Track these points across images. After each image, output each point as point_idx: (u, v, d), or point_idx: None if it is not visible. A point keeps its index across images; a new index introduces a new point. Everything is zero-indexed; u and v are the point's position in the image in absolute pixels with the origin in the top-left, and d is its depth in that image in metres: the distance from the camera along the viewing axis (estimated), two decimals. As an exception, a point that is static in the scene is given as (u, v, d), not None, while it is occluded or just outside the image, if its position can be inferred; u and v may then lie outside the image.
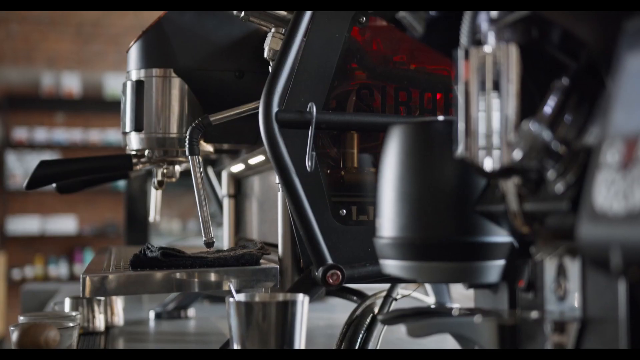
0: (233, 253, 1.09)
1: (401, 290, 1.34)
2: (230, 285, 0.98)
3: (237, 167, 1.63)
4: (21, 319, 1.24)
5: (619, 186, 0.52)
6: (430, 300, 1.69)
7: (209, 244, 1.13)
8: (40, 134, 6.71)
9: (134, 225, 2.68)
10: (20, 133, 6.70)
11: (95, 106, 6.74)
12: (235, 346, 0.91)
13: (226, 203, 1.77)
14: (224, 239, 1.79)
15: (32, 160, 6.64)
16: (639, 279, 0.52)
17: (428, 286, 1.60)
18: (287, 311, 0.91)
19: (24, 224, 6.77)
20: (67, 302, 1.49)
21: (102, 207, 6.94)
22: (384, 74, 1.16)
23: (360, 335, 1.24)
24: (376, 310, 1.28)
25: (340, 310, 1.96)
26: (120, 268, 1.10)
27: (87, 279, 1.00)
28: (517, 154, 0.65)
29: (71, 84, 6.81)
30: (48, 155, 6.66)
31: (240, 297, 0.94)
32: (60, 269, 6.78)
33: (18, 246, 6.82)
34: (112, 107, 6.69)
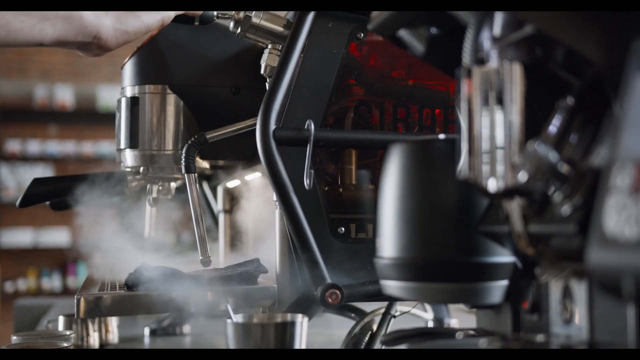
0: (230, 272, 1.07)
1: (399, 307, 1.32)
2: (228, 306, 0.96)
3: (233, 183, 1.62)
4: (14, 338, 1.22)
5: (631, 211, 0.51)
6: (428, 316, 1.67)
7: (206, 262, 1.11)
8: (33, 146, 6.68)
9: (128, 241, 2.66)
10: (13, 145, 6.67)
11: (89, 118, 6.72)
12: (234, 368, 0.90)
13: (222, 218, 1.75)
14: (220, 254, 1.77)
15: (25, 173, 6.61)
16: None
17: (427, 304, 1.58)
18: (285, 332, 0.89)
19: (17, 237, 6.72)
20: (61, 320, 1.47)
21: (95, 221, 6.89)
22: (382, 90, 1.15)
23: (359, 354, 1.22)
24: (374, 327, 1.26)
25: (337, 326, 1.94)
26: (116, 287, 1.08)
27: (82, 299, 0.98)
28: (523, 175, 0.63)
29: (64, 96, 6.78)
30: (41, 168, 6.63)
31: (239, 318, 0.92)
32: (53, 282, 6.74)
33: (11, 259, 6.77)
34: (105, 119, 6.67)
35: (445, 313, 1.68)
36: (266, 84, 1.14)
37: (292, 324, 0.90)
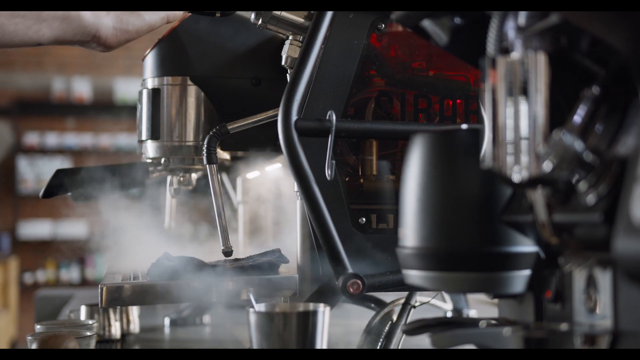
0: (252, 262, 1.08)
1: (419, 297, 1.32)
2: (250, 295, 0.97)
3: (253, 174, 1.62)
4: (38, 327, 1.24)
5: (658, 199, 0.51)
6: (447, 307, 1.68)
7: (228, 252, 1.12)
8: (51, 139, 6.72)
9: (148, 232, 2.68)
10: (31, 138, 6.72)
11: (106, 111, 6.75)
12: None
13: (241, 209, 1.76)
14: (239, 245, 1.78)
15: (44, 165, 6.67)
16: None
17: (446, 294, 1.58)
18: (308, 322, 0.90)
19: (36, 229, 6.78)
20: (83, 310, 1.48)
21: (113, 212, 6.93)
22: (403, 81, 1.15)
23: (380, 344, 1.23)
24: (394, 317, 1.27)
25: (356, 317, 1.94)
26: (139, 277, 1.09)
27: (105, 288, 0.99)
28: (548, 165, 0.64)
29: (82, 89, 6.82)
30: (59, 160, 6.68)
31: (261, 307, 0.93)
32: (71, 273, 6.80)
33: (30, 251, 6.84)
34: (122, 112, 6.70)
35: (464, 304, 1.68)
36: (287, 75, 1.14)
37: (315, 313, 0.90)
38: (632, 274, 0.55)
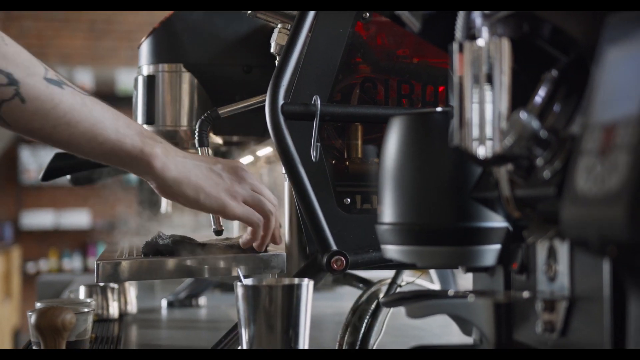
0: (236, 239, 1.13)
1: (406, 277, 1.37)
2: (239, 270, 1.02)
3: (246, 160, 1.67)
4: (38, 305, 1.29)
5: (598, 171, 0.56)
6: (435, 287, 1.73)
7: (218, 232, 1.17)
8: (54, 129, 6.77)
9: (146, 219, 2.73)
10: (33, 128, 6.76)
11: (108, 101, 6.67)
12: (243, 328, 0.95)
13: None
14: (234, 228, 1.83)
15: (46, 155, 6.71)
16: (616, 257, 0.55)
17: (433, 274, 1.63)
18: (292, 294, 0.95)
19: (38, 218, 6.84)
20: (82, 290, 1.54)
21: (115, 201, 7.00)
22: (388, 68, 1.20)
23: (366, 321, 1.28)
24: (381, 296, 1.32)
25: (347, 299, 2.00)
26: (133, 255, 1.14)
27: (101, 265, 1.04)
28: (508, 142, 0.68)
29: (84, 79, 6.87)
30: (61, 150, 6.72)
31: (248, 281, 0.98)
32: (74, 263, 6.86)
33: (32, 240, 6.90)
34: (124, 103, 6.72)
35: (452, 284, 1.73)
36: (276, 62, 1.19)
37: (299, 286, 0.95)
38: (578, 241, 0.60)
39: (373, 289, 1.33)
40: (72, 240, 7.02)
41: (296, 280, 0.97)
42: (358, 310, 1.29)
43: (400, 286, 1.35)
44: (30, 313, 1.18)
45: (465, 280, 2.21)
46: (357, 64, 1.20)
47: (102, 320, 1.52)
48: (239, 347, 1.05)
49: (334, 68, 1.13)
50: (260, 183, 1.05)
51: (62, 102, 0.91)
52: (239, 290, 0.95)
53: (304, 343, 0.96)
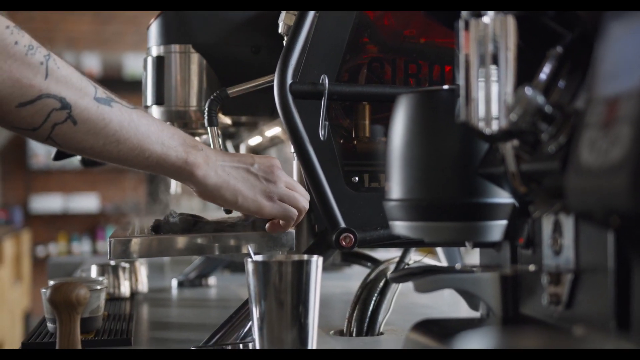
0: (246, 218, 1.15)
1: (414, 256, 1.39)
2: (249, 247, 1.04)
3: (255, 140, 1.69)
4: (51, 282, 1.31)
5: (601, 143, 0.57)
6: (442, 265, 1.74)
7: (228, 211, 1.18)
8: (62, 113, 6.79)
9: (155, 199, 2.75)
10: (41, 113, 6.79)
11: (115, 86, 6.70)
12: (253, 304, 0.97)
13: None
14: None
15: (54, 140, 6.74)
16: (619, 227, 0.57)
17: (441, 253, 1.65)
18: (302, 270, 0.96)
19: (47, 203, 6.89)
20: (94, 269, 1.56)
21: (123, 185, 7.04)
22: (395, 48, 1.21)
23: (374, 298, 1.30)
24: (389, 274, 1.33)
25: (355, 279, 2.02)
26: (145, 233, 1.16)
27: (114, 242, 1.06)
28: (513, 117, 0.70)
29: (91, 64, 6.88)
30: (69, 135, 6.75)
31: (258, 257, 1.00)
32: (83, 246, 6.91)
33: (42, 224, 6.94)
34: (131, 87, 6.75)
35: (459, 262, 1.75)
36: (284, 42, 1.20)
37: (308, 262, 0.97)
38: (582, 212, 0.61)
39: (381, 267, 1.34)
40: (81, 224, 7.06)
41: (305, 257, 0.99)
42: (366, 288, 1.31)
43: (408, 264, 1.36)
44: (44, 291, 1.20)
45: (472, 259, 2.23)
46: (364, 44, 1.21)
47: (113, 299, 1.54)
48: (250, 323, 1.07)
49: (341, 48, 1.14)
50: (293, 180, 1.09)
51: (111, 122, 0.94)
52: (250, 266, 0.97)
53: (313, 319, 0.98)
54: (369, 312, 1.29)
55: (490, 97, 0.74)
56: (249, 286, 0.98)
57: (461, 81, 0.77)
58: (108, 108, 0.95)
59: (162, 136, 0.98)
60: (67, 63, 0.95)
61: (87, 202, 6.92)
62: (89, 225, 7.08)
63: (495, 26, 0.74)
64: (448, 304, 1.63)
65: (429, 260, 1.54)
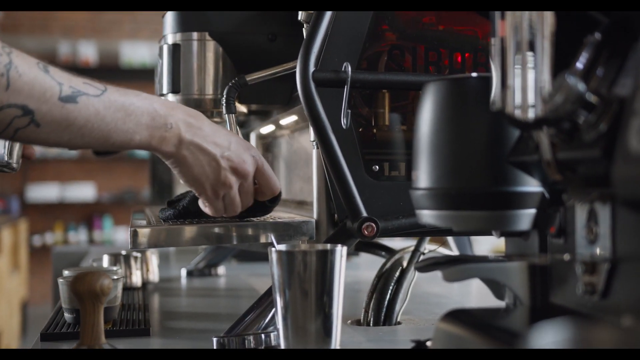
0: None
1: (428, 245, 1.38)
2: (272, 236, 1.03)
3: (268, 128, 1.68)
4: (66, 272, 1.30)
5: (652, 130, 0.56)
6: (454, 254, 1.74)
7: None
8: (58, 103, 6.76)
9: (159, 190, 2.74)
10: (37, 101, 6.75)
11: (112, 74, 6.78)
12: (277, 294, 0.97)
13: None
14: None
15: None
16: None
17: (451, 242, 1.65)
18: (326, 259, 0.95)
19: (44, 192, 6.86)
20: (106, 259, 1.55)
21: (120, 174, 7.02)
22: (414, 35, 1.20)
23: (391, 288, 1.29)
24: (404, 264, 1.33)
25: (364, 268, 2.02)
26: (161, 223, 1.15)
27: (135, 231, 1.05)
28: (553, 104, 0.69)
29: (87, 52, 6.85)
30: (66, 124, 6.72)
31: (282, 247, 0.99)
32: (79, 236, 6.89)
33: (38, 213, 6.92)
34: (128, 75, 6.74)
35: (469, 252, 1.75)
36: (303, 30, 1.19)
37: (333, 252, 0.96)
38: (630, 201, 0.60)
39: (397, 256, 1.34)
40: (77, 213, 7.04)
41: (329, 246, 0.98)
42: (383, 277, 1.30)
43: (423, 254, 1.36)
44: (62, 280, 1.19)
45: (482, 247, 2.22)
46: (383, 31, 1.20)
47: (126, 288, 1.53)
48: (271, 314, 1.07)
49: (362, 35, 1.13)
50: (250, 182, 1.08)
51: (76, 119, 0.94)
52: (274, 256, 0.96)
53: (337, 309, 0.97)
54: (386, 302, 1.28)
55: (526, 84, 0.73)
56: (273, 276, 0.97)
57: (496, 68, 0.76)
58: (73, 106, 0.94)
59: (128, 125, 0.98)
60: (32, 61, 0.92)
61: (83, 192, 6.90)
62: (86, 214, 7.06)
63: (532, 13, 0.73)
64: (461, 293, 1.63)
65: (442, 249, 1.54)
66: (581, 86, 0.68)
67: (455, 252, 1.71)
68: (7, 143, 1.13)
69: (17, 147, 1.14)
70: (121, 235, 6.84)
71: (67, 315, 1.18)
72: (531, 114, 0.73)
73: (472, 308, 0.89)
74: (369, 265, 2.02)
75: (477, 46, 1.20)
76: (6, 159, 1.11)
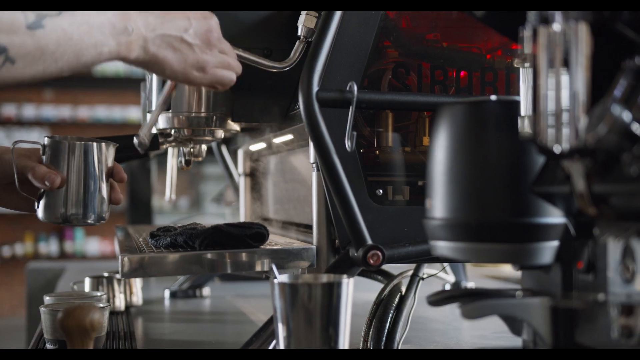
0: (244, 231, 1.07)
1: (426, 270, 1.33)
2: (273, 266, 0.97)
3: (258, 146, 1.61)
4: (47, 299, 1.23)
5: None
6: (450, 279, 1.69)
7: (141, 143, 1.07)
8: (29, 111, 6.64)
9: (137, 204, 2.67)
10: (8, 110, 6.63)
11: (84, 83, 6.68)
12: (280, 326, 0.91)
13: (242, 182, 1.75)
14: (241, 217, 1.78)
15: (21, 137, 6.58)
16: None
17: (447, 266, 1.60)
18: (332, 292, 0.90)
19: (14, 202, 6.71)
20: (87, 282, 1.48)
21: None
22: (418, 52, 1.14)
23: (390, 315, 1.24)
24: (403, 289, 1.27)
25: (359, 289, 1.95)
26: (152, 248, 1.08)
27: (126, 259, 0.98)
28: (593, 136, 0.64)
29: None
30: (37, 132, 6.59)
31: (284, 278, 0.93)
32: (50, 246, 6.75)
33: (7, 223, 6.77)
34: (101, 84, 6.64)
35: (463, 276, 1.70)
36: (297, 44, 1.13)
37: (339, 284, 0.90)
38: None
39: (395, 281, 1.28)
40: (48, 224, 6.90)
41: (335, 277, 0.92)
42: (382, 304, 1.25)
43: (422, 279, 1.30)
44: (45, 309, 1.11)
45: (478, 270, 2.18)
46: (385, 47, 1.15)
47: (109, 313, 1.45)
48: (275, 343, 1.00)
49: (366, 52, 1.07)
50: (226, 43, 1.09)
51: (48, 45, 0.92)
52: (276, 288, 0.90)
53: (344, 341, 0.92)
54: (386, 330, 1.22)
55: (560, 112, 0.68)
56: (275, 307, 0.91)
57: (526, 93, 0.71)
58: (42, 31, 0.92)
59: (95, 35, 0.97)
60: None
61: (54, 202, 6.76)
62: (57, 225, 6.92)
63: (567, 34, 0.68)
64: (458, 319, 1.57)
65: (441, 274, 1.48)
66: (627, 116, 0.63)
67: (450, 274, 1.66)
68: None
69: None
70: (93, 247, 6.71)
71: (50, 347, 1.11)
72: (565, 144, 0.68)
73: (493, 348, 0.84)
74: (365, 286, 1.96)
75: (484, 64, 1.15)
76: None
